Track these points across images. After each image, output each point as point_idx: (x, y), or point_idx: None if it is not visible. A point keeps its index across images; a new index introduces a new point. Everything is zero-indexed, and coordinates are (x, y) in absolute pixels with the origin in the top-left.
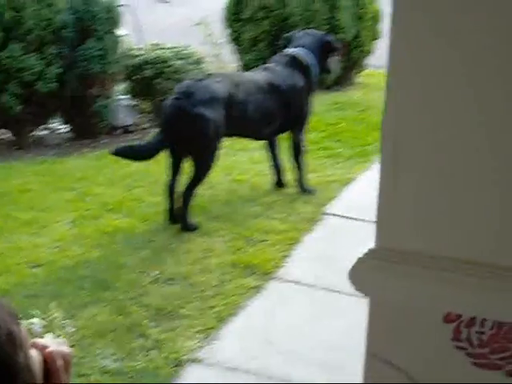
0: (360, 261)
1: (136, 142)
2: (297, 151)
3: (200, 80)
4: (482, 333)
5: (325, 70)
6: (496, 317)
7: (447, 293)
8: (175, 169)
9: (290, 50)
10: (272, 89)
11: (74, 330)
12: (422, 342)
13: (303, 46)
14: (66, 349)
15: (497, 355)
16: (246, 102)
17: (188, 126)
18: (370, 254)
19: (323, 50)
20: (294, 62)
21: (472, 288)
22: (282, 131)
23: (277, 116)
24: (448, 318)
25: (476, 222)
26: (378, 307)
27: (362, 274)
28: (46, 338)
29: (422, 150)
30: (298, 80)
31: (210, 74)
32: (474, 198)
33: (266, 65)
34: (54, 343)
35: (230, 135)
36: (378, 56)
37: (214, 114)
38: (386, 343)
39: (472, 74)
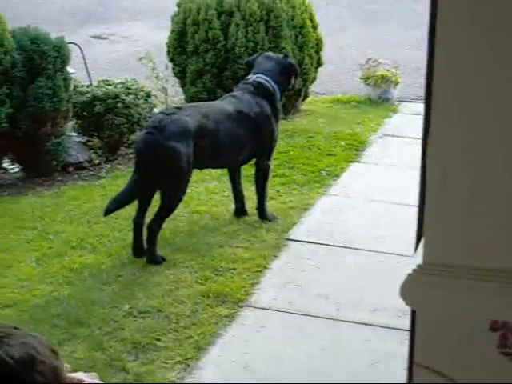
0: (409, 277)
1: (118, 191)
2: (263, 178)
3: (170, 113)
4: None
5: (286, 90)
6: None
7: (493, 302)
8: (144, 203)
9: (254, 77)
10: (241, 117)
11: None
12: (468, 351)
13: (265, 72)
14: (98, 381)
15: None
16: (217, 133)
17: (161, 160)
18: (418, 269)
19: (285, 74)
20: (260, 89)
21: None
22: (251, 159)
23: (248, 144)
24: (494, 326)
25: None
26: (426, 319)
27: (411, 289)
28: (79, 373)
29: (468, 167)
30: (265, 106)
31: (178, 108)
32: None
33: (233, 93)
34: (87, 377)
35: (202, 167)
36: (319, 83)
37: (187, 147)
38: (433, 353)
39: None
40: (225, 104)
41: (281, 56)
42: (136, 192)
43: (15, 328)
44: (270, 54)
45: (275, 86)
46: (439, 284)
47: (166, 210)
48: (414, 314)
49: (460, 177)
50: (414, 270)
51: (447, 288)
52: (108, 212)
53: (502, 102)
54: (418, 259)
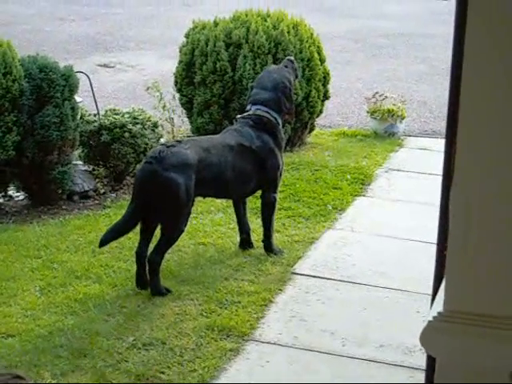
0: (430, 324)
1: (114, 222)
2: (269, 211)
3: (170, 146)
4: None
5: (287, 112)
6: None
7: None
8: (146, 234)
9: (254, 109)
10: (243, 149)
11: None
12: None
13: (264, 102)
14: None
15: None
16: (218, 165)
17: (159, 189)
18: (439, 317)
19: (280, 107)
20: (260, 121)
21: None
22: (256, 190)
23: (251, 176)
24: None
25: None
26: (446, 367)
27: (432, 337)
28: None
29: (493, 211)
30: (267, 138)
31: (179, 141)
32: None
33: (234, 126)
34: None
35: (205, 196)
36: (325, 116)
37: (186, 179)
38: None
39: None
40: (227, 137)
41: (276, 87)
42: (132, 222)
43: None
44: (266, 74)
45: (275, 115)
46: (461, 332)
47: (166, 241)
48: (430, 358)
49: (485, 224)
50: (435, 317)
51: (469, 336)
52: (103, 243)
53: None
54: (439, 305)
